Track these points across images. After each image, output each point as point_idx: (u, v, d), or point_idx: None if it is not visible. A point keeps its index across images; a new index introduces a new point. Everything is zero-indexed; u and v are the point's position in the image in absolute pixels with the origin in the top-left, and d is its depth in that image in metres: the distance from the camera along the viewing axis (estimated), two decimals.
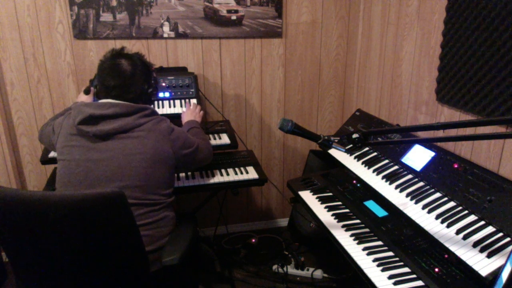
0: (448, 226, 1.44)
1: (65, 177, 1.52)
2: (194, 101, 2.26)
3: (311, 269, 2.47)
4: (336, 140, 1.45)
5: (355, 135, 1.39)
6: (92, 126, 1.49)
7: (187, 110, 2.10)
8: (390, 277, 1.42)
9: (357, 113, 2.40)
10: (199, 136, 1.87)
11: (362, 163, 2.00)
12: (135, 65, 1.59)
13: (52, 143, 1.66)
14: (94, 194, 1.21)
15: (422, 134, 1.96)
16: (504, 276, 0.85)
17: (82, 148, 1.50)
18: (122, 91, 1.56)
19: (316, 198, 2.02)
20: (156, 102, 2.22)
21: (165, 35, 2.42)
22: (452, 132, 1.72)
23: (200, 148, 1.76)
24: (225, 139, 2.23)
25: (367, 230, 1.73)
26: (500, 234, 1.34)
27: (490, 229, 1.38)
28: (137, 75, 1.59)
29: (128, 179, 1.48)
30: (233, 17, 2.47)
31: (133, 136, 1.51)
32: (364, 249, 1.58)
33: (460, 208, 1.51)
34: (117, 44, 2.36)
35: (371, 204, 1.88)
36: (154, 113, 1.61)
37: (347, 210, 1.90)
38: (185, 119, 2.03)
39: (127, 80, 1.57)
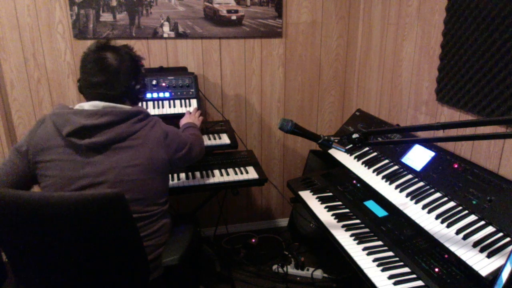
0: (448, 226, 1.44)
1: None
2: (194, 102, 2.26)
3: (311, 269, 2.47)
4: (336, 140, 1.45)
5: (355, 135, 1.39)
6: (85, 138, 1.36)
7: (186, 114, 2.10)
8: (390, 277, 1.41)
9: (357, 113, 2.40)
10: (192, 133, 1.84)
11: (362, 163, 1.99)
12: (122, 59, 1.47)
13: (23, 156, 1.41)
14: (94, 195, 1.21)
15: (422, 134, 1.96)
16: (504, 276, 0.85)
17: (74, 163, 1.38)
18: (107, 88, 1.43)
19: (316, 198, 2.02)
20: (156, 102, 2.22)
21: (165, 35, 2.42)
22: (452, 132, 1.72)
23: (192, 146, 1.71)
24: (225, 139, 2.23)
25: (367, 230, 1.73)
26: (500, 234, 1.34)
27: (490, 229, 1.38)
28: (123, 70, 1.46)
29: (127, 193, 1.34)
30: (233, 17, 2.47)
31: (129, 146, 1.42)
32: (364, 249, 1.58)
33: (460, 208, 1.51)
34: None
35: (371, 204, 1.88)
36: (147, 115, 1.51)
37: (347, 210, 1.90)
38: (183, 122, 2.02)
39: (112, 76, 1.44)
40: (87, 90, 1.46)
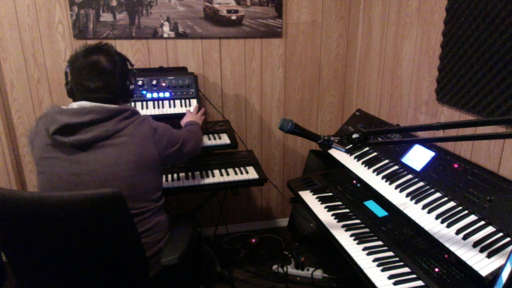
0: (448, 226, 1.44)
1: (48, 191, 1.41)
2: (194, 102, 2.26)
3: (311, 269, 2.47)
4: (336, 140, 1.45)
5: (355, 135, 1.39)
6: (69, 135, 1.37)
7: (187, 113, 2.10)
8: (390, 277, 1.41)
9: (357, 113, 2.40)
10: (189, 129, 1.83)
11: (362, 163, 1.99)
12: (114, 61, 1.48)
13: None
14: (93, 195, 1.21)
15: (422, 134, 1.96)
16: (504, 276, 0.85)
17: (61, 160, 1.39)
18: (104, 92, 1.45)
19: (316, 198, 2.02)
20: (156, 102, 2.22)
21: (165, 35, 2.42)
22: (452, 132, 1.72)
23: (185, 142, 1.69)
24: (225, 139, 2.23)
25: (367, 230, 1.73)
26: (500, 234, 1.34)
27: (490, 229, 1.38)
28: (117, 71, 1.48)
29: None
30: (233, 17, 2.47)
31: (115, 144, 1.41)
32: (364, 249, 1.58)
33: (460, 208, 1.51)
34: (117, 44, 2.36)
35: (371, 204, 1.88)
36: (134, 113, 1.49)
37: (347, 210, 1.90)
38: (184, 121, 2.02)
39: (108, 79, 1.45)
40: (81, 94, 1.45)
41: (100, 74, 1.44)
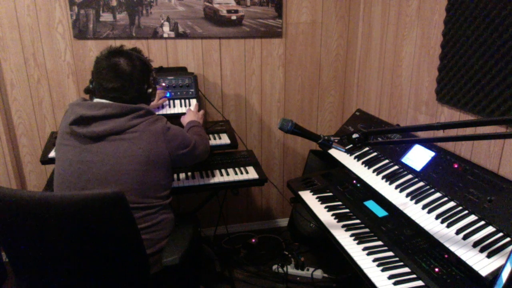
0: (448, 226, 1.44)
1: (60, 176, 1.51)
2: (193, 102, 2.26)
3: (311, 269, 2.47)
4: (336, 140, 1.45)
5: (355, 135, 1.39)
6: (83, 127, 1.46)
7: (188, 112, 2.10)
8: (390, 277, 1.42)
9: (357, 113, 2.40)
10: (197, 132, 1.85)
11: (362, 163, 1.99)
12: (134, 64, 1.54)
13: None
14: (94, 195, 1.21)
15: (422, 134, 1.96)
16: (504, 276, 0.85)
17: (74, 148, 1.48)
18: (121, 93, 1.52)
19: (316, 198, 2.02)
20: None
21: (165, 35, 2.42)
22: (452, 132, 1.72)
23: (196, 145, 1.73)
24: (225, 139, 2.23)
25: (367, 230, 1.73)
26: (500, 234, 1.34)
27: (490, 229, 1.38)
28: (136, 75, 1.54)
29: (121, 183, 1.45)
30: (233, 17, 2.48)
31: (126, 138, 1.47)
32: (364, 249, 1.58)
33: (460, 208, 1.51)
34: (117, 44, 2.35)
35: (371, 204, 1.88)
36: (149, 112, 1.55)
37: (347, 210, 1.90)
38: (186, 120, 2.02)
39: (126, 82, 1.52)
40: (100, 93, 1.53)
41: (118, 76, 1.51)
